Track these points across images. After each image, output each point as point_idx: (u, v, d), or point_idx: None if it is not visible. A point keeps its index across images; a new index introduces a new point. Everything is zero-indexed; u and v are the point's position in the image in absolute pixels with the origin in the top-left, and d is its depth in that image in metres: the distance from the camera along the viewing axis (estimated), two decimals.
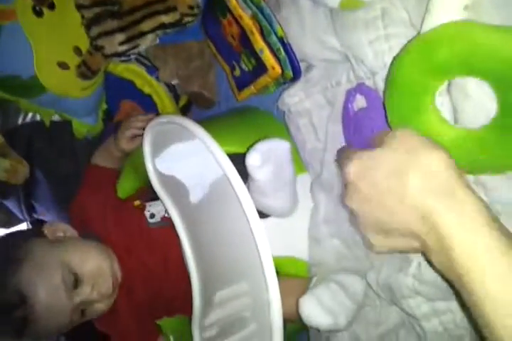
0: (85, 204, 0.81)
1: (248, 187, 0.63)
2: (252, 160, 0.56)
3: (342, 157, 0.49)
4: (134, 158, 0.86)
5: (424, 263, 0.52)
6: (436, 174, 0.36)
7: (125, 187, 0.84)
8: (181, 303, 0.76)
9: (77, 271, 0.68)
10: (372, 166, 0.40)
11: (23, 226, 1.37)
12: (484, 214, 0.34)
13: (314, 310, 0.57)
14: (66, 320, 0.68)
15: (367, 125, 0.56)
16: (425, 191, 0.36)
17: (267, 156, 0.57)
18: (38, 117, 1.05)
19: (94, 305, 0.71)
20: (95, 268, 0.70)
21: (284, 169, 0.60)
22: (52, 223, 0.76)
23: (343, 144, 0.61)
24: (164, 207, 0.75)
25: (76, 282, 0.68)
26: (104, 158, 0.88)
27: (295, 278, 0.69)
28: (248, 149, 0.58)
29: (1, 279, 0.66)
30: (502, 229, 0.34)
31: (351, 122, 0.58)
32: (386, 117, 0.53)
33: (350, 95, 0.58)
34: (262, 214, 0.66)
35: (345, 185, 0.43)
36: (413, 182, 0.37)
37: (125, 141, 0.85)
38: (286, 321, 0.59)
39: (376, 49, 0.51)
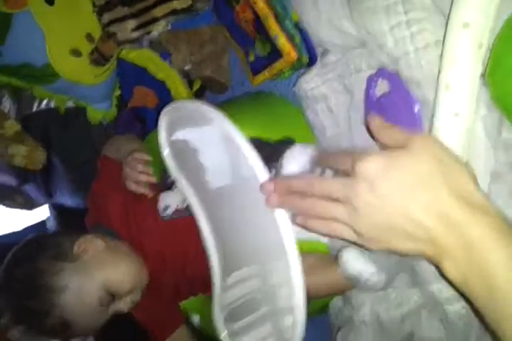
0: (104, 197, 0.80)
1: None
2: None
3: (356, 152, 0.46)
4: (149, 145, 0.86)
5: None
6: (466, 187, 0.38)
7: None
8: (203, 284, 0.78)
9: (113, 291, 0.70)
10: (397, 168, 0.39)
11: (45, 208, 1.40)
12: None
13: (358, 258, 0.58)
14: (100, 325, 0.72)
15: (390, 109, 0.55)
16: (457, 201, 0.37)
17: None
18: (52, 104, 1.05)
19: (125, 308, 0.73)
20: (129, 285, 0.72)
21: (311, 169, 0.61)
22: (80, 241, 0.74)
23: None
24: (177, 196, 0.76)
25: (112, 298, 0.71)
26: (114, 155, 0.85)
27: (315, 253, 0.70)
28: (265, 140, 0.59)
29: (45, 307, 0.68)
30: None
31: (374, 109, 0.58)
32: (409, 100, 0.53)
33: (371, 81, 0.57)
34: None
35: (356, 179, 0.40)
36: (443, 191, 0.37)
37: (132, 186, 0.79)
38: (309, 298, 0.61)
39: (396, 36, 0.50)
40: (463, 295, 0.38)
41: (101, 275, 0.70)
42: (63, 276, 0.69)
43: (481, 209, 0.37)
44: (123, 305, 0.72)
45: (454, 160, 0.40)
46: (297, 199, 0.46)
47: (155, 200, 0.78)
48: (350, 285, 0.64)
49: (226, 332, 0.69)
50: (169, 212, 0.77)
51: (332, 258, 0.67)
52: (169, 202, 0.77)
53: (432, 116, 0.48)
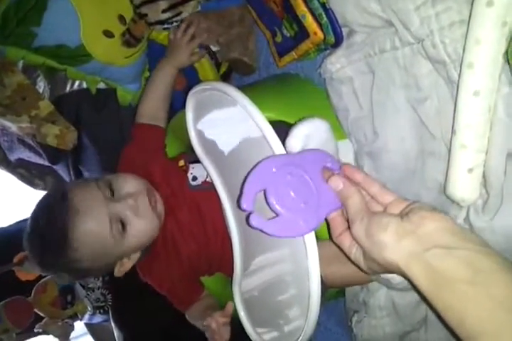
0: (132, 159, 0.84)
1: None
2: (292, 146, 0.56)
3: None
4: (175, 125, 0.88)
5: None
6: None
7: (169, 150, 0.87)
8: (220, 264, 0.79)
9: (112, 182, 0.74)
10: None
11: None
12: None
13: None
14: (105, 229, 0.70)
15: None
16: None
17: (307, 140, 0.57)
18: (84, 85, 1.08)
19: (134, 219, 0.72)
20: (130, 182, 0.75)
21: (325, 147, 0.60)
22: None
23: (390, 113, 0.61)
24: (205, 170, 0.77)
25: (112, 192, 0.73)
26: (150, 111, 0.89)
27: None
28: (290, 123, 0.58)
29: (50, 195, 0.75)
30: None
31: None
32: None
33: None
34: None
35: None
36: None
37: (188, 54, 0.89)
38: (326, 287, 0.61)
39: (422, 15, 0.50)
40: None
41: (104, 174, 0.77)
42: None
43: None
44: (124, 199, 0.72)
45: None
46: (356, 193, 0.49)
47: (184, 170, 0.80)
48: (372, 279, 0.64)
49: (244, 311, 0.70)
50: (197, 182, 0.79)
51: None
52: (198, 174, 0.79)
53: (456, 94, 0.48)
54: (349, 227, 0.49)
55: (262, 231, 0.48)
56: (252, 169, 0.49)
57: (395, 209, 0.47)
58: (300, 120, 0.58)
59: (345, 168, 0.52)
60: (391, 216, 0.45)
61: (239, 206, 0.49)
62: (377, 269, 0.48)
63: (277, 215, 0.49)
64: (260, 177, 0.49)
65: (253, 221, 0.47)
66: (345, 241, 0.51)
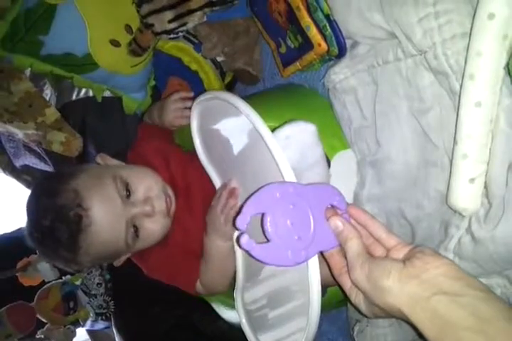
0: (144, 151, 0.82)
1: None
2: None
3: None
4: (181, 133, 0.89)
5: (464, 240, 0.53)
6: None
7: None
8: None
9: (129, 182, 0.70)
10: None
11: None
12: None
13: None
14: (120, 235, 0.68)
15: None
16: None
17: (289, 142, 0.57)
18: (90, 93, 1.09)
19: (148, 224, 0.70)
20: (147, 182, 0.72)
21: (309, 151, 0.61)
22: (103, 154, 0.79)
23: (392, 124, 0.61)
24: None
25: (129, 192, 0.70)
26: (156, 115, 0.87)
27: None
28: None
29: (59, 185, 0.68)
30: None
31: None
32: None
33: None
34: None
35: None
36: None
37: (172, 119, 0.84)
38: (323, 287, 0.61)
39: (425, 27, 0.51)
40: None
41: (118, 169, 0.74)
42: (80, 166, 0.75)
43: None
44: (142, 203, 0.70)
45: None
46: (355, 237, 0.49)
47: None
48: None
49: (245, 318, 0.70)
50: None
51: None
52: None
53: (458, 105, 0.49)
54: (348, 271, 0.49)
55: (248, 253, 0.47)
56: (256, 190, 0.49)
57: (398, 254, 0.48)
58: (286, 122, 0.59)
59: (351, 209, 0.52)
60: (394, 261, 0.45)
61: (234, 224, 0.49)
62: (378, 313, 0.48)
63: (268, 241, 0.48)
64: (262, 200, 0.48)
65: (243, 241, 0.47)
66: (346, 283, 0.51)
